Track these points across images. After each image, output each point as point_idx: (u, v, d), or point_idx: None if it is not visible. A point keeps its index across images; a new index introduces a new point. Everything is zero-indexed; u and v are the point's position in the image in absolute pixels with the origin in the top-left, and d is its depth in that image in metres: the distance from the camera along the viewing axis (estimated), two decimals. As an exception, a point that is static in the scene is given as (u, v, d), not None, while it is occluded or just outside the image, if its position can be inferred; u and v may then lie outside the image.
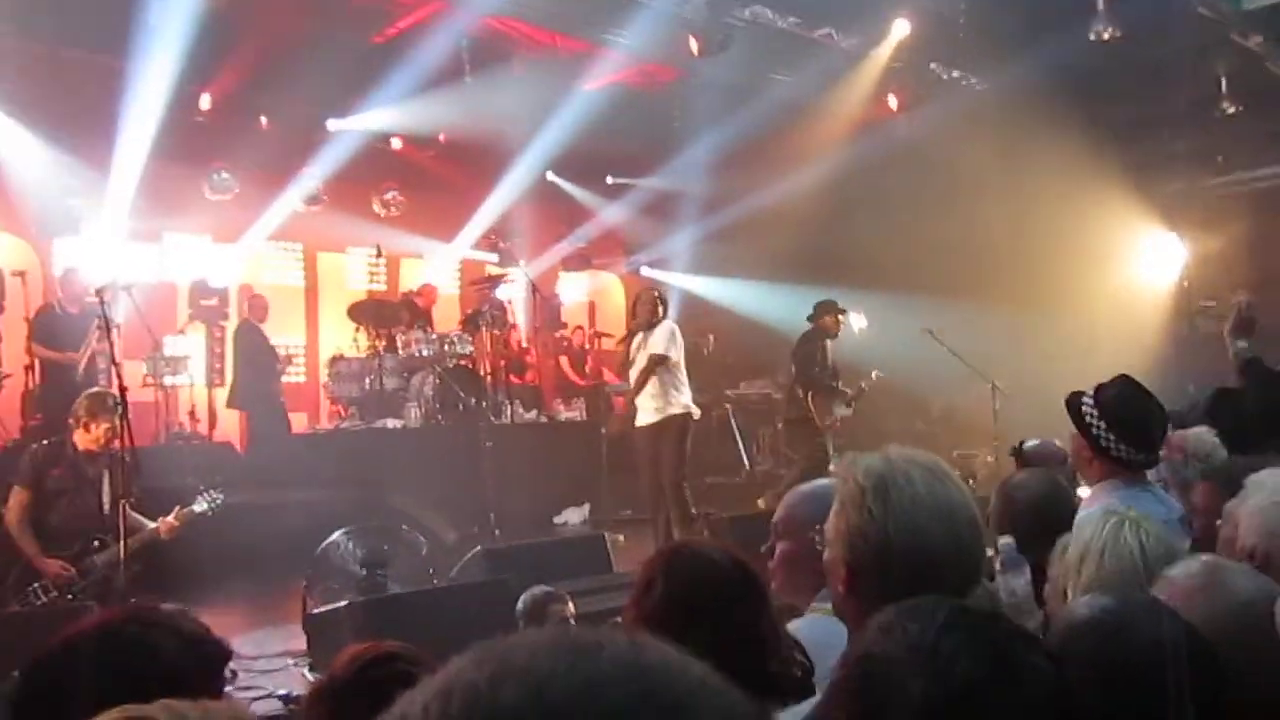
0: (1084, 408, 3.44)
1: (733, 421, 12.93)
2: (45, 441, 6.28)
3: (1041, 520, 2.88)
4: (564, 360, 14.20)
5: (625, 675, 0.74)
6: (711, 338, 14.09)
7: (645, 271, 16.02)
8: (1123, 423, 3.39)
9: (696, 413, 8.61)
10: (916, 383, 13.15)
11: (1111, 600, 1.76)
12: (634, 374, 8.51)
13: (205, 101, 11.33)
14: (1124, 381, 3.50)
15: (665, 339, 8.44)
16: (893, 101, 12.83)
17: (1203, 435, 3.79)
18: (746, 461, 12.73)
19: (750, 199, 13.38)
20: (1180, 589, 1.89)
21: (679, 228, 14.94)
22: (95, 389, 6.47)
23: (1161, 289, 13.69)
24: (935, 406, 13.68)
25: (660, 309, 8.57)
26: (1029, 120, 11.26)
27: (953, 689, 1.31)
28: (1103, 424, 3.40)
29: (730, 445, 12.94)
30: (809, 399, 10.28)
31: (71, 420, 6.15)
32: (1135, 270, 13.79)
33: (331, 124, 12.23)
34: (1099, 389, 3.49)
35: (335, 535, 7.37)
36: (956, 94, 12.41)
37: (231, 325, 12.10)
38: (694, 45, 10.56)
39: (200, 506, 6.32)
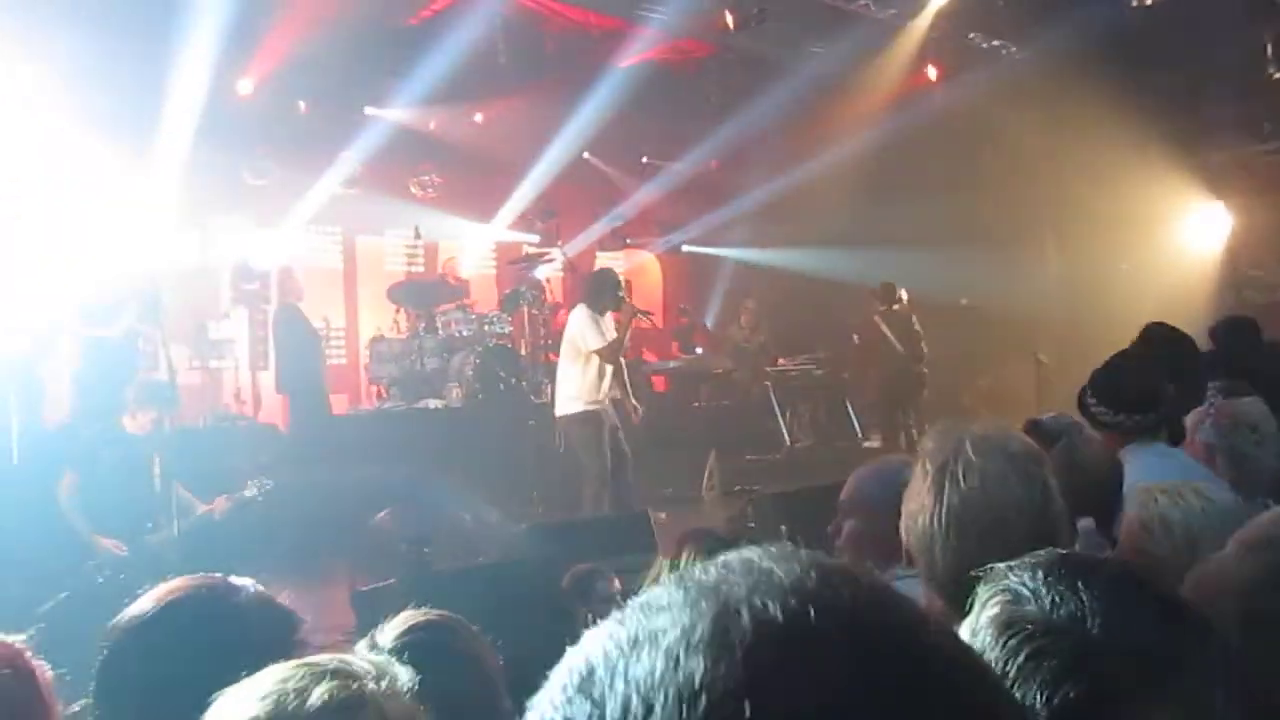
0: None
1: (772, 397, 12.94)
2: (99, 425, 6.41)
3: (1105, 495, 2.81)
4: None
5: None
6: (748, 308, 14.09)
7: (686, 249, 16.08)
8: (1095, 382, 3.35)
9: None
10: (959, 358, 13.13)
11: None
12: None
13: (245, 87, 11.45)
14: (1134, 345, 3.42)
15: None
16: (932, 72, 12.72)
17: (1253, 404, 3.76)
18: (787, 438, 12.74)
19: (788, 175, 13.38)
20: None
21: (715, 205, 14.96)
22: (141, 377, 6.58)
23: (1208, 259, 13.51)
24: (979, 381, 13.63)
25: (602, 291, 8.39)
26: (1071, 89, 11.13)
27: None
28: (1087, 389, 3.37)
29: (770, 421, 12.95)
30: None
31: (122, 406, 6.30)
32: (1181, 240, 13.61)
33: (369, 108, 12.31)
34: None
35: (380, 514, 7.50)
36: (997, 63, 12.29)
37: (273, 308, 12.27)
38: (729, 19, 10.53)
39: (250, 492, 6.45)
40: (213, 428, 10.52)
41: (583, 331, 8.18)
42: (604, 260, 16.07)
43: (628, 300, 8.50)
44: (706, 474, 10.43)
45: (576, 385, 8.17)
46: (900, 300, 12.16)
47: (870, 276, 12.85)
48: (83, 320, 9.27)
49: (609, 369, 8.21)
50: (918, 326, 12.00)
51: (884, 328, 12.07)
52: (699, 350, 14.86)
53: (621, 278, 8.83)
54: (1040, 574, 1.23)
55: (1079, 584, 1.18)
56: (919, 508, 1.89)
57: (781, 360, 13.69)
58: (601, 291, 8.34)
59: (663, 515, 8.45)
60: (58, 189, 10.36)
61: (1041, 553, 1.28)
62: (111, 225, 11.33)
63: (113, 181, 10.70)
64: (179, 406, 5.77)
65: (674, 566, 2.24)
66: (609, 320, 8.42)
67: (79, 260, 10.66)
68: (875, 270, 12.87)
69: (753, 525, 6.83)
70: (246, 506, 6.43)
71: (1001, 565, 1.29)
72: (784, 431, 12.79)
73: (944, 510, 1.85)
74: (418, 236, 13.41)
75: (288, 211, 12.64)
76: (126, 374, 9.25)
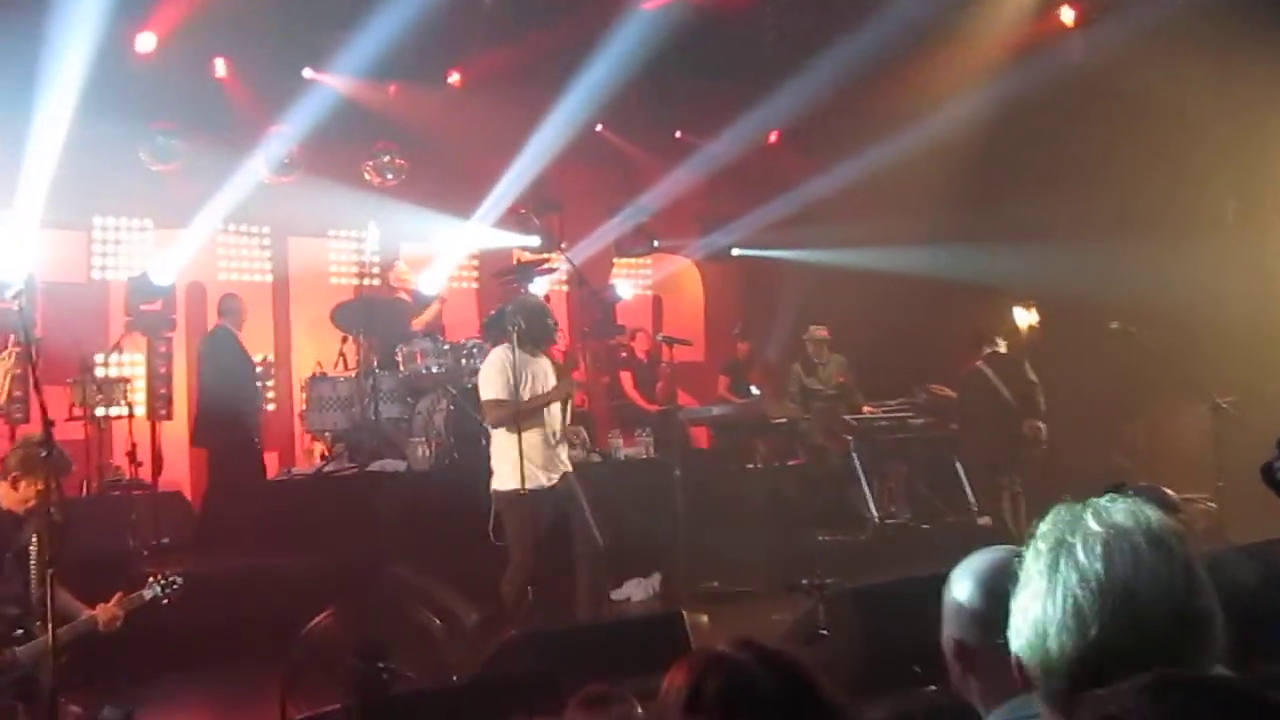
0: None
1: (854, 456, 12.97)
2: None
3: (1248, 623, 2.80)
4: (624, 377, 14.39)
5: None
6: (821, 334, 14.15)
7: (737, 253, 16.23)
8: None
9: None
10: (1109, 397, 13.13)
11: None
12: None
13: (145, 43, 11.75)
14: None
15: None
16: (1067, 15, 12.85)
17: None
18: (874, 511, 12.75)
19: (873, 152, 13.49)
20: None
21: (775, 195, 15.08)
22: (29, 438, 6.75)
23: None
24: (1135, 430, 13.64)
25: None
26: (1246, 34, 11.18)
27: None
28: None
29: (851, 488, 12.98)
30: None
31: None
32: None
33: (309, 71, 12.64)
34: None
35: (322, 615, 7.62)
36: (1152, 1, 12.39)
37: (180, 336, 12.49)
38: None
39: (152, 592, 6.62)
40: (100, 497, 10.75)
41: (484, 377, 8.42)
42: (626, 269, 16.31)
43: (557, 332, 8.60)
44: (764, 561, 10.48)
45: (506, 452, 8.34)
46: (996, 345, 12.26)
47: (986, 286, 12.92)
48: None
49: (555, 428, 8.39)
50: (1033, 375, 12.10)
51: (988, 372, 12.18)
52: (756, 391, 14.92)
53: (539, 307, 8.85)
54: (1143, 701, 1.35)
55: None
56: (1030, 597, 1.98)
57: (868, 406, 13.74)
58: (527, 321, 8.46)
59: (703, 618, 8.52)
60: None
61: (1147, 676, 1.39)
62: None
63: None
64: (69, 471, 5.95)
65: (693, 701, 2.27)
66: (542, 366, 8.59)
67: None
68: (991, 278, 12.96)
69: (825, 632, 6.90)
70: (145, 610, 6.59)
71: (1101, 691, 1.41)
72: (870, 503, 12.80)
73: (1060, 592, 1.93)
74: (372, 240, 13.62)
75: (199, 206, 12.90)
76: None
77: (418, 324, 12.30)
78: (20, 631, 6.35)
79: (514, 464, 8.20)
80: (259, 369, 12.79)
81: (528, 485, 8.18)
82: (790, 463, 13.83)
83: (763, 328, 15.67)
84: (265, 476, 11.79)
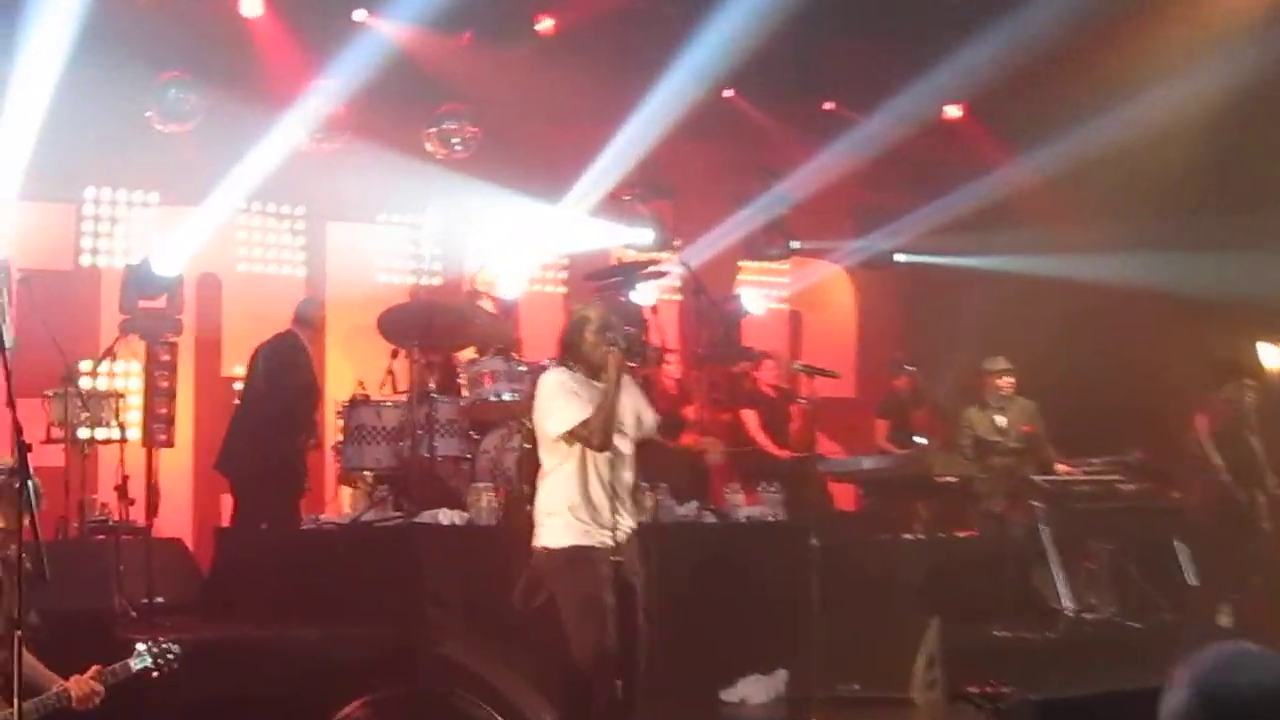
0: None
1: (1043, 529, 12.88)
2: None
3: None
4: (747, 416, 14.41)
5: None
6: (1006, 369, 14.07)
7: (901, 259, 16.21)
8: None
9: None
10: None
11: None
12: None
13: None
14: None
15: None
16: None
17: None
18: (1068, 601, 12.65)
19: (1079, 134, 13.43)
20: None
21: (954, 186, 15.03)
22: None
23: None
24: None
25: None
26: None
27: None
28: None
29: (1038, 571, 12.88)
30: None
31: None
32: None
33: (360, 13, 12.95)
34: None
35: (351, 708, 7.76)
36: None
37: (187, 341, 12.74)
38: None
39: (140, 663, 6.76)
40: (79, 544, 10.99)
41: (542, 406, 8.42)
42: (756, 276, 16.35)
43: (617, 337, 8.49)
44: (922, 661, 10.46)
45: (556, 500, 8.37)
46: (1244, 389, 12.16)
47: (1226, 307, 12.80)
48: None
49: (626, 478, 8.34)
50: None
51: (1201, 433, 12.08)
52: (920, 440, 14.88)
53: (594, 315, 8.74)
54: None
55: None
56: None
57: (1063, 465, 13.64)
58: (572, 337, 8.48)
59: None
60: None
61: None
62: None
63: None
64: (42, 506, 6.12)
65: None
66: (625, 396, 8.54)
67: None
68: (1234, 297, 12.83)
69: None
70: (131, 685, 6.74)
71: None
72: (1061, 590, 12.70)
73: None
74: (433, 228, 13.79)
75: (217, 179, 13.19)
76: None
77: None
78: (-24, 709, 6.53)
79: (571, 512, 8.25)
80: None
81: (587, 542, 8.22)
82: (960, 534, 13.76)
83: (933, 357, 15.59)
84: (299, 523, 11.95)
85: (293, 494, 11.92)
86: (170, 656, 6.79)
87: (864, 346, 16.87)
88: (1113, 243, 14.10)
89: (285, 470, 11.70)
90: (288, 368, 11.79)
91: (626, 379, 8.44)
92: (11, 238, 11.94)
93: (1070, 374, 14.01)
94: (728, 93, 14.55)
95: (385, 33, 13.15)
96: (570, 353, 8.39)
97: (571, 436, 8.14)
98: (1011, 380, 13.74)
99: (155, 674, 6.76)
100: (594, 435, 8.07)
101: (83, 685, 6.59)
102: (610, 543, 8.10)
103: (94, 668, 6.66)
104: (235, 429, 11.92)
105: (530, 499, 11.06)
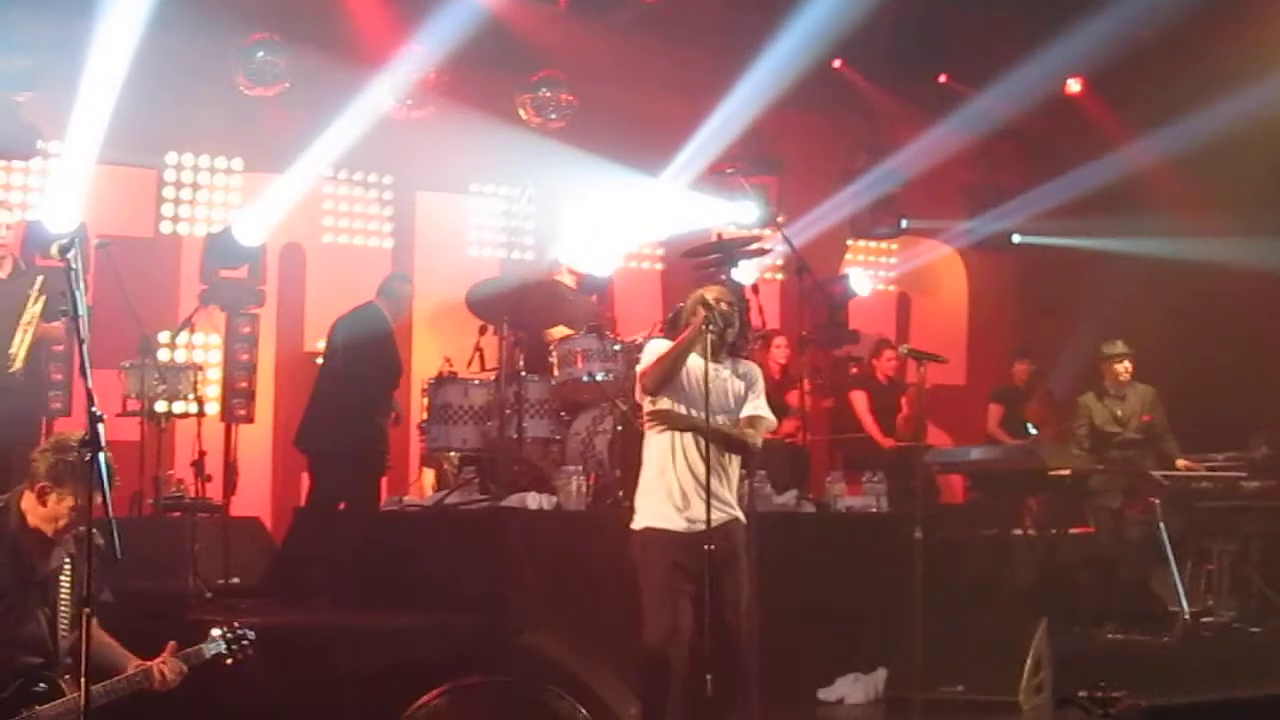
0: None
1: (1162, 529, 12.69)
2: None
3: None
4: (857, 398, 14.31)
5: None
6: (1126, 356, 13.88)
7: (1019, 239, 16.06)
8: None
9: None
10: None
11: None
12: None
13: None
14: None
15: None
16: None
17: None
18: (1185, 604, 12.47)
19: (1211, 110, 13.24)
20: None
21: (1070, 164, 14.87)
22: (64, 436, 6.85)
23: None
24: None
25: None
26: None
27: None
28: None
29: (1156, 572, 12.71)
30: None
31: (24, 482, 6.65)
32: None
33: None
34: None
35: (430, 695, 7.72)
36: None
37: (269, 313, 12.78)
38: None
39: (214, 649, 6.73)
40: (153, 522, 11.05)
41: (639, 372, 8.43)
42: (864, 256, 16.24)
43: (713, 317, 8.41)
44: (1029, 664, 10.33)
45: (642, 482, 8.32)
46: None
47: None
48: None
49: (696, 450, 8.22)
50: None
51: None
52: (1033, 430, 14.73)
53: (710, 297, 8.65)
54: None
55: None
56: None
57: (1183, 460, 13.44)
58: (680, 314, 8.49)
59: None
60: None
61: None
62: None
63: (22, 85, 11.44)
64: (116, 483, 6.08)
65: None
66: (726, 379, 8.42)
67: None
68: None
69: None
70: (206, 668, 6.71)
71: None
72: (1180, 592, 12.52)
73: None
74: (527, 199, 13.76)
75: (303, 145, 13.20)
76: (27, 423, 9.86)
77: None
78: (43, 686, 6.49)
79: (651, 494, 8.21)
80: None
81: (660, 525, 8.16)
82: (1073, 530, 13.62)
83: (1048, 343, 15.43)
84: (378, 504, 11.95)
85: (373, 473, 11.86)
86: (245, 642, 6.76)
87: (975, 332, 16.74)
88: (1240, 226, 13.90)
89: (364, 449, 11.61)
90: (367, 341, 11.67)
91: (751, 370, 8.45)
92: (90, 202, 11.95)
93: (1194, 363, 13.84)
94: (836, 63, 14.40)
95: (477, -5, 13.06)
96: (673, 327, 8.40)
97: (639, 389, 8.23)
98: (1130, 365, 13.53)
99: (229, 660, 6.74)
100: (646, 379, 8.12)
101: (167, 666, 6.56)
102: (694, 528, 8.02)
103: (168, 647, 6.63)
104: (314, 404, 11.85)
105: (622, 483, 11.06)
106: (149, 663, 6.53)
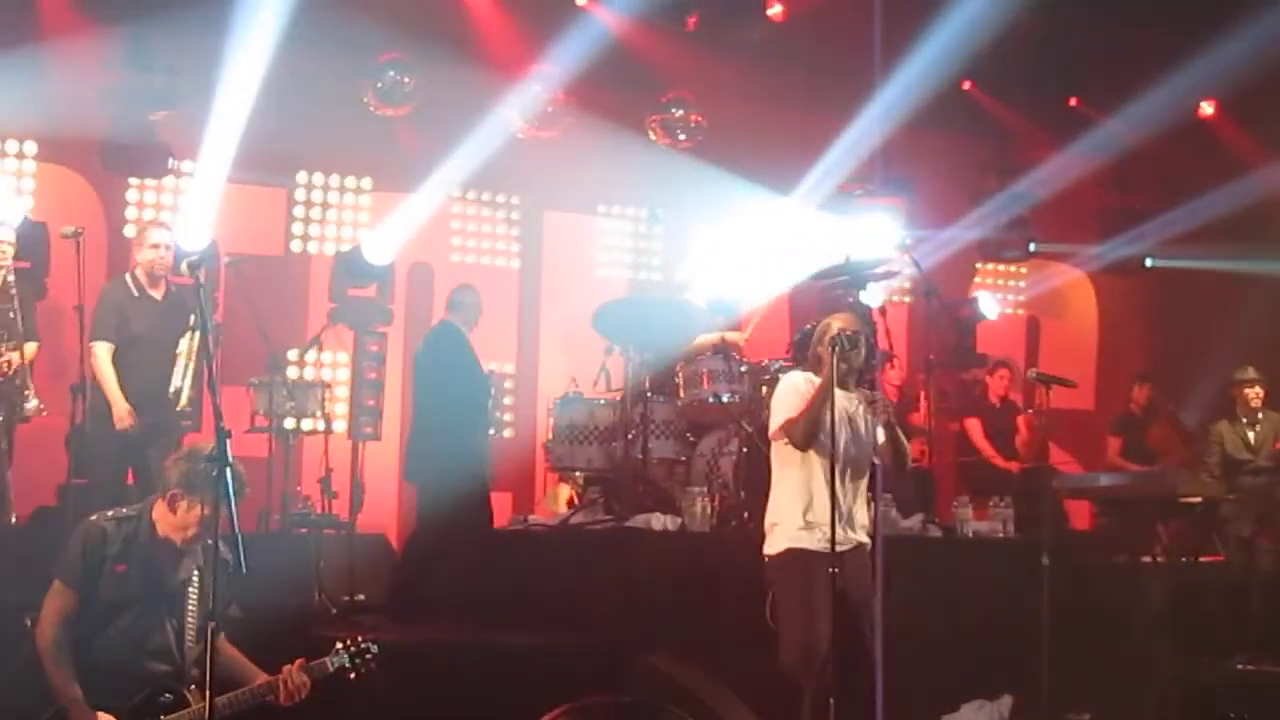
0: None
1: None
2: (110, 515, 6.81)
3: None
4: (971, 426, 14.21)
5: None
6: (1248, 378, 13.70)
7: (1153, 264, 15.88)
8: None
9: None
10: None
11: None
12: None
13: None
14: None
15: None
16: None
17: None
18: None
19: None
20: None
21: (1205, 187, 14.69)
22: (196, 447, 6.94)
23: None
24: None
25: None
26: None
27: None
28: None
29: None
30: None
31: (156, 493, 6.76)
32: None
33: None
34: None
35: (553, 714, 7.73)
36: None
37: (397, 332, 12.88)
38: None
39: (338, 662, 6.77)
40: (280, 537, 11.15)
41: (773, 406, 8.37)
42: (993, 279, 16.11)
43: (842, 341, 8.37)
44: (1157, 693, 10.18)
45: (779, 509, 8.30)
46: None
47: None
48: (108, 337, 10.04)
49: (836, 478, 8.17)
50: None
51: None
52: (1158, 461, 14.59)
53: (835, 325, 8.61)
54: None
55: None
56: None
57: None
58: (808, 342, 8.49)
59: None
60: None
61: None
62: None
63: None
64: (245, 496, 6.15)
65: None
66: (858, 407, 8.40)
67: (101, 237, 11.55)
68: None
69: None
70: (331, 682, 6.76)
71: None
72: (1312, 623, 12.34)
73: None
74: (653, 220, 13.77)
75: (432, 165, 13.31)
76: (167, 435, 9.97)
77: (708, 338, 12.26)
78: (169, 697, 6.57)
79: (790, 520, 8.18)
80: (492, 383, 13.01)
81: (801, 545, 8.14)
82: (1204, 559, 13.43)
83: (1181, 369, 15.24)
84: (492, 524, 11.99)
85: (477, 493, 11.78)
86: (368, 656, 6.81)
87: (1105, 356, 16.52)
88: None
89: (466, 469, 11.63)
90: (446, 359, 11.74)
91: (880, 397, 8.48)
92: (221, 221, 12.11)
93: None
94: (966, 84, 14.29)
95: (606, 18, 13.16)
96: (801, 356, 8.44)
97: (779, 433, 8.15)
98: (1261, 391, 13.40)
99: (352, 675, 6.79)
100: (794, 433, 8.08)
101: (293, 679, 6.64)
102: (832, 548, 8.00)
103: (299, 661, 6.71)
104: (413, 432, 12.05)
105: (746, 505, 11.03)
106: (276, 676, 6.62)
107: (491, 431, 12.43)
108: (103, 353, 9.83)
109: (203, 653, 6.15)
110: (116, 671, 6.54)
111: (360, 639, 6.88)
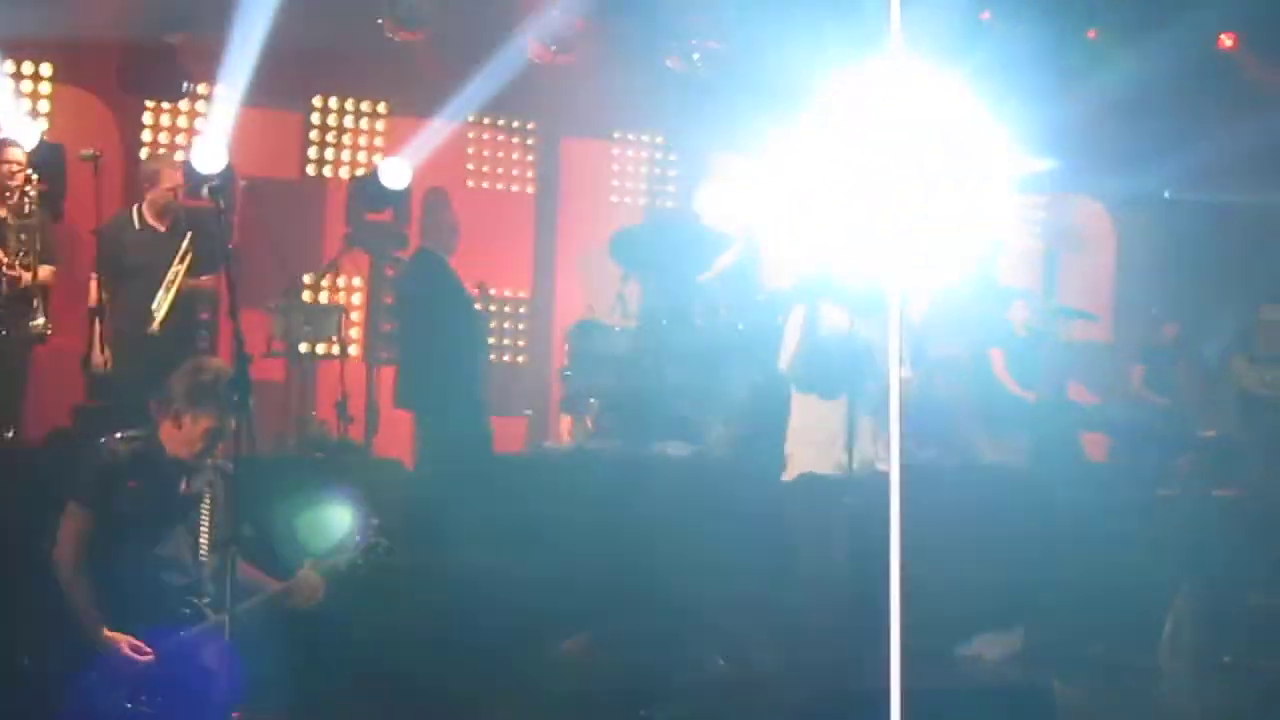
0: None
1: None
2: (119, 436, 6.79)
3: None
4: (996, 355, 14.19)
5: None
6: (1270, 317, 13.68)
7: (1168, 197, 15.92)
8: None
9: None
10: None
11: None
12: None
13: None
14: None
15: None
16: None
17: None
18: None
19: None
20: None
21: (1226, 119, 14.66)
22: (197, 360, 6.98)
23: None
24: None
25: None
26: None
27: None
28: None
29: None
30: None
31: (157, 407, 6.74)
32: None
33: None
34: None
35: (570, 642, 7.74)
36: None
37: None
38: None
39: (350, 558, 6.80)
40: (296, 460, 11.19)
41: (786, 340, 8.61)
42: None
43: None
44: (1168, 627, 10.22)
45: (800, 434, 8.60)
46: None
47: None
48: (110, 270, 10.05)
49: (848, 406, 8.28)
50: None
51: None
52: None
53: None
54: None
55: None
56: None
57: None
58: None
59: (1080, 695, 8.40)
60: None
61: None
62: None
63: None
64: (250, 414, 6.14)
65: None
66: None
67: (117, 161, 11.52)
68: None
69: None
70: (348, 575, 6.78)
71: None
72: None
73: None
74: (668, 149, 13.72)
75: (449, 89, 13.26)
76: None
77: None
78: (189, 611, 6.60)
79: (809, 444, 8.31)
80: (494, 308, 12.95)
81: (817, 471, 8.20)
82: (1219, 493, 13.43)
83: (1199, 307, 15.21)
84: (490, 450, 11.86)
85: (471, 421, 11.62)
86: (379, 550, 6.84)
87: (1122, 291, 16.52)
88: None
89: (456, 397, 11.55)
90: (423, 289, 11.54)
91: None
92: (237, 144, 12.06)
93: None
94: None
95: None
96: None
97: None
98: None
99: (365, 568, 6.81)
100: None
101: (307, 581, 6.66)
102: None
103: (309, 562, 6.75)
104: (402, 364, 11.91)
105: (762, 436, 11.02)
106: (283, 584, 6.70)
107: (491, 357, 12.32)
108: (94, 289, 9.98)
109: (219, 567, 6.25)
110: (134, 590, 6.55)
111: (371, 531, 6.89)
